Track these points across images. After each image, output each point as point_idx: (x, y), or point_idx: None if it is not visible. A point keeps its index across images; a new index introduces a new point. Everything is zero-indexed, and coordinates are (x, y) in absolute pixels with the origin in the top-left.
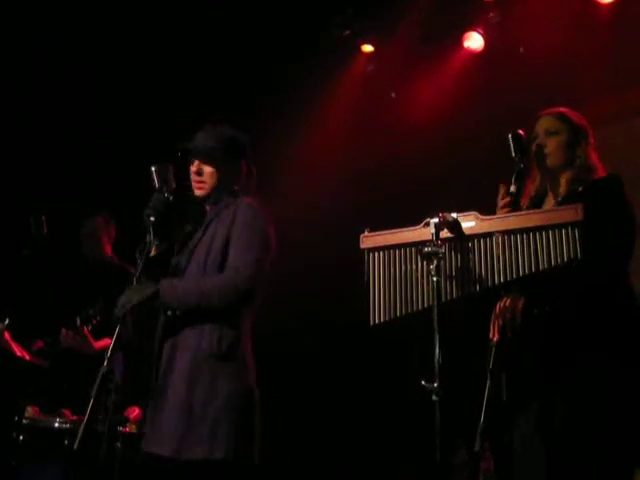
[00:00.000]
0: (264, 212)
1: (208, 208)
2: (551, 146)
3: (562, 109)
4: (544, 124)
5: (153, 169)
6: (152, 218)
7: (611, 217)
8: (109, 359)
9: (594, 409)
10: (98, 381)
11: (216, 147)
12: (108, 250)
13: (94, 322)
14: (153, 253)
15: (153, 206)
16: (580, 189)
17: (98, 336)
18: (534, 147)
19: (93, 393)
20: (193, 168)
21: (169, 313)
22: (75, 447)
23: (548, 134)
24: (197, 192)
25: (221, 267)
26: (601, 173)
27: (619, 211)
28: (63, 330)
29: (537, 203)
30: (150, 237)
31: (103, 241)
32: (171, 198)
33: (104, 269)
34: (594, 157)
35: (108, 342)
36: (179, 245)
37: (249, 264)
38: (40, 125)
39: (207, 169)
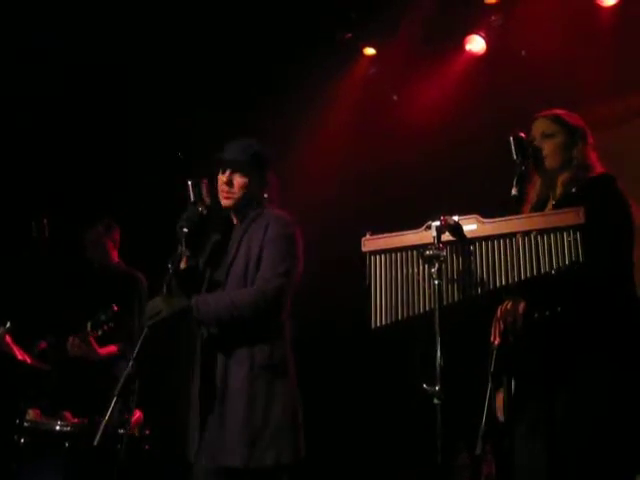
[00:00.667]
0: (294, 223)
1: (234, 219)
2: (548, 149)
3: (557, 111)
4: (540, 127)
5: (189, 183)
6: (185, 230)
7: (608, 217)
8: (135, 360)
9: (595, 411)
10: (122, 381)
11: (246, 160)
12: (114, 255)
13: (105, 328)
14: (184, 265)
15: (187, 218)
16: (573, 190)
17: (104, 342)
18: (530, 151)
19: (116, 392)
20: (223, 178)
21: (204, 332)
22: (95, 443)
23: (544, 137)
24: (225, 202)
25: None
26: (598, 171)
27: (615, 209)
28: (71, 338)
29: (539, 208)
30: (182, 248)
31: (108, 247)
32: (205, 212)
33: (110, 274)
34: (592, 156)
35: (112, 349)
36: (207, 255)
37: (278, 275)
38: (40, 126)
39: (237, 180)
